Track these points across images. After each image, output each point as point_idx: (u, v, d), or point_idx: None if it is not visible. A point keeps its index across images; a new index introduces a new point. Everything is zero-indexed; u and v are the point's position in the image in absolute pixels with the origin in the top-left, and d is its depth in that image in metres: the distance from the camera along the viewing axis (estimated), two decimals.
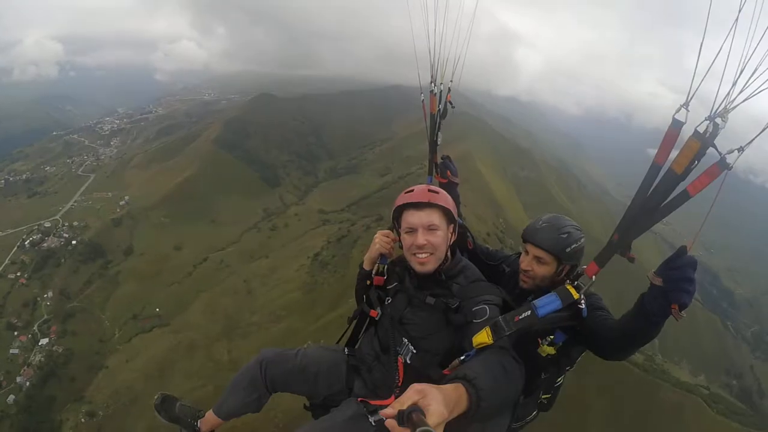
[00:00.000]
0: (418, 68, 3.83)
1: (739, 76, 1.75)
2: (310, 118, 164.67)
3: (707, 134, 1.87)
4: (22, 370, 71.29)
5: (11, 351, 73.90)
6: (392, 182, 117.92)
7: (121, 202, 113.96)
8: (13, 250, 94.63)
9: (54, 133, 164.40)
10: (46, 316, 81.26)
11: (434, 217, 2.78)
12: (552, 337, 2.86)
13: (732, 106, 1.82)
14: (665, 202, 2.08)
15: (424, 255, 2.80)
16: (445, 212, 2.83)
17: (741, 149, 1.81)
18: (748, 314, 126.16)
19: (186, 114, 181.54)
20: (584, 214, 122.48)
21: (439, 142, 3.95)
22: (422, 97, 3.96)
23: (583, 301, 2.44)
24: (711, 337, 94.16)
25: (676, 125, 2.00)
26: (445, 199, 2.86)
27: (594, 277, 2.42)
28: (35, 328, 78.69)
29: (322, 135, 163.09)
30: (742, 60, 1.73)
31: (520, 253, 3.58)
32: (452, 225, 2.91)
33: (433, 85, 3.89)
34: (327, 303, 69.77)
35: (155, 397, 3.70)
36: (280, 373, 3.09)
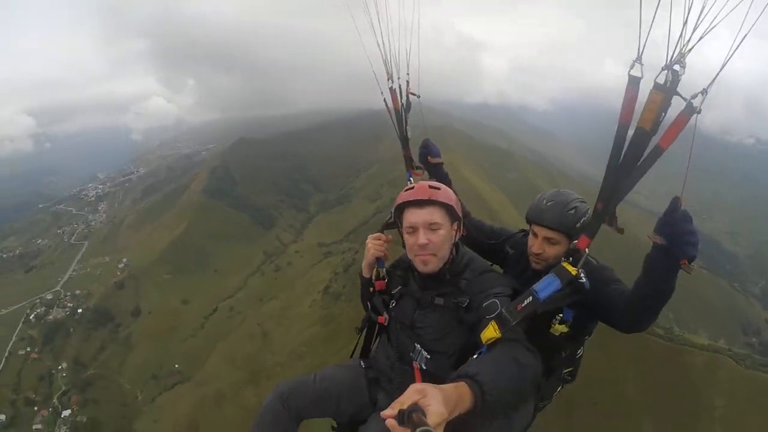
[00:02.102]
0: (372, 67, 3.71)
1: (688, 15, 1.70)
2: (291, 155, 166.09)
3: (668, 83, 1.85)
4: None
5: (34, 427, 72.25)
6: (385, 206, 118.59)
7: (120, 265, 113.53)
8: (19, 326, 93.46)
9: (40, 205, 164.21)
10: (64, 388, 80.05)
11: (436, 215, 2.67)
12: (561, 315, 2.82)
13: (687, 49, 1.80)
14: (640, 161, 2.04)
15: (426, 255, 2.70)
16: (448, 209, 2.72)
17: (704, 91, 1.78)
18: (752, 271, 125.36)
19: (168, 169, 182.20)
20: None
21: (409, 136, 3.90)
22: (383, 96, 3.90)
23: (582, 275, 2.38)
24: (722, 301, 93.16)
25: (634, 82, 1.96)
26: (446, 195, 2.75)
27: (587, 249, 2.37)
28: (55, 400, 77.32)
29: (306, 171, 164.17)
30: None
31: (524, 230, 3.54)
32: (456, 222, 2.80)
33: (390, 81, 3.81)
34: (349, 331, 68.95)
35: None
36: (303, 402, 2.93)
